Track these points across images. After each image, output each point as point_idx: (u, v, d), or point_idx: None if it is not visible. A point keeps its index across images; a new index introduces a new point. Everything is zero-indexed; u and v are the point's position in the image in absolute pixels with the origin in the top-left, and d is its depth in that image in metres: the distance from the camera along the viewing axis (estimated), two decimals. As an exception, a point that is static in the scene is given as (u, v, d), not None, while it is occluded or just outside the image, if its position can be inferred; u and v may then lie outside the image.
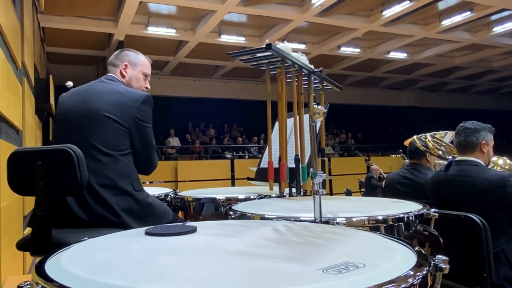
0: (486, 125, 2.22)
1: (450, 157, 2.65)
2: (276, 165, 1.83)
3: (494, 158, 2.57)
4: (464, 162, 2.16)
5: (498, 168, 2.56)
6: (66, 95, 1.71)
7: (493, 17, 9.67)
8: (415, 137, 3.04)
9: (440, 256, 0.74)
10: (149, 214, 1.58)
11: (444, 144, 2.94)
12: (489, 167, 2.36)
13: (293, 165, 1.91)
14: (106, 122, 1.56)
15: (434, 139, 2.91)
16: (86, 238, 1.01)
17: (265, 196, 1.98)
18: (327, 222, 1.22)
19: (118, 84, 1.71)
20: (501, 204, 1.98)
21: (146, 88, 1.85)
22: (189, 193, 2.26)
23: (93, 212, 1.49)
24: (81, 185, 1.30)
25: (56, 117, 1.72)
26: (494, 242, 1.81)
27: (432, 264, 0.73)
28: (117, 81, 1.74)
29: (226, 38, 9.93)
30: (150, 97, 1.69)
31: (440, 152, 2.84)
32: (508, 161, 2.64)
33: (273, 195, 1.98)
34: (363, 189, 7.53)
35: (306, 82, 1.98)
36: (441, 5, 8.94)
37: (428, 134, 3.06)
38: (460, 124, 2.26)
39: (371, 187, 7.05)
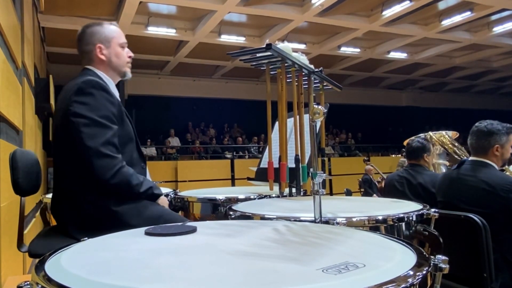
0: (504, 126, 2.13)
1: (464, 157, 2.64)
2: (276, 165, 1.83)
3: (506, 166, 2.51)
4: (476, 163, 2.14)
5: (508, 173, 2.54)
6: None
7: (493, 17, 9.66)
8: (430, 132, 3.04)
9: (440, 256, 0.74)
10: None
11: (456, 144, 2.94)
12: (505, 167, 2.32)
13: (293, 165, 1.91)
14: (56, 133, 1.48)
15: (449, 137, 2.91)
16: (86, 238, 1.01)
17: (265, 196, 1.98)
18: (327, 222, 1.22)
19: (79, 78, 1.50)
20: (503, 209, 1.96)
21: (130, 57, 1.67)
22: (189, 193, 2.26)
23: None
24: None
25: None
26: (495, 248, 1.79)
27: (432, 264, 0.73)
28: (86, 74, 1.54)
29: (226, 38, 9.93)
30: (88, 80, 1.43)
31: (455, 149, 2.84)
32: None
33: (273, 195, 1.98)
34: (362, 189, 7.53)
35: (306, 82, 1.98)
36: (441, 5, 8.94)
37: (443, 132, 3.06)
38: (475, 124, 2.18)
39: (365, 193, 7.05)
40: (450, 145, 2.88)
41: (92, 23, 1.64)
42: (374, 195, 6.77)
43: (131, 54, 1.69)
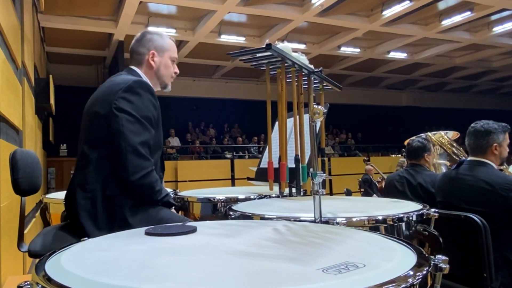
0: (500, 125, 2.15)
1: (462, 157, 2.65)
2: (276, 165, 1.83)
3: (504, 166, 2.52)
4: (474, 162, 2.14)
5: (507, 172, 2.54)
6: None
7: (493, 17, 9.67)
8: (429, 133, 3.04)
9: (440, 256, 0.74)
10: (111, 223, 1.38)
11: (455, 144, 2.95)
12: (503, 167, 2.33)
13: (293, 165, 1.91)
14: (94, 120, 1.45)
15: (448, 138, 2.91)
16: (86, 238, 1.01)
17: (265, 196, 1.98)
18: (327, 222, 1.22)
19: (126, 76, 1.53)
20: (503, 208, 1.96)
21: (176, 73, 1.71)
22: (189, 193, 2.26)
23: (77, 219, 1.42)
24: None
25: None
26: (495, 247, 1.79)
27: (432, 264, 0.73)
28: (132, 74, 1.59)
29: (226, 38, 9.93)
30: (137, 82, 1.46)
31: (454, 150, 2.85)
32: None
33: (273, 195, 1.98)
34: (362, 189, 7.53)
35: (306, 82, 1.98)
36: (441, 5, 8.94)
37: (442, 132, 3.07)
38: (472, 125, 2.20)
39: (365, 193, 7.05)
40: (448, 146, 2.88)
41: (154, 31, 1.72)
42: (374, 195, 6.77)
43: (177, 71, 1.73)
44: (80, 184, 1.43)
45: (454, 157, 2.94)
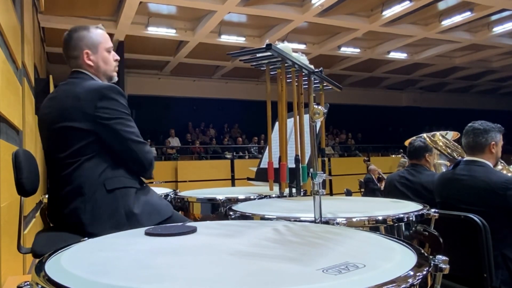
0: (495, 125, 2.20)
1: (459, 157, 2.66)
2: (276, 165, 1.83)
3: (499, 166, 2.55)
4: (472, 163, 2.16)
5: (505, 171, 2.55)
6: (42, 105, 1.62)
7: (493, 17, 9.67)
8: (424, 134, 3.04)
9: (440, 256, 0.74)
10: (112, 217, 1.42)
11: (451, 144, 2.94)
12: (499, 168, 2.35)
13: (293, 165, 1.91)
14: (68, 133, 1.46)
15: (444, 138, 2.91)
16: (86, 238, 1.01)
17: (265, 196, 1.98)
18: (327, 222, 1.22)
19: (79, 83, 1.53)
20: (501, 206, 1.97)
21: (116, 60, 1.68)
22: (189, 193, 2.26)
23: (64, 220, 1.45)
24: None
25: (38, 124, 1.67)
26: (494, 246, 1.80)
27: (432, 265, 0.73)
28: (81, 77, 1.57)
29: (226, 38, 9.93)
30: (108, 87, 1.50)
31: (449, 151, 2.85)
32: None
33: (273, 195, 1.98)
34: (363, 189, 7.53)
35: (306, 82, 1.98)
36: (441, 5, 8.94)
37: (438, 133, 3.06)
38: (469, 124, 2.23)
39: (369, 190, 7.04)
40: (444, 147, 2.88)
41: (78, 26, 1.64)
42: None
43: (117, 57, 1.70)
44: (73, 192, 1.44)
45: (451, 158, 2.94)
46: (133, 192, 1.48)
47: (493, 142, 2.14)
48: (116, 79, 1.71)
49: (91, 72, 1.61)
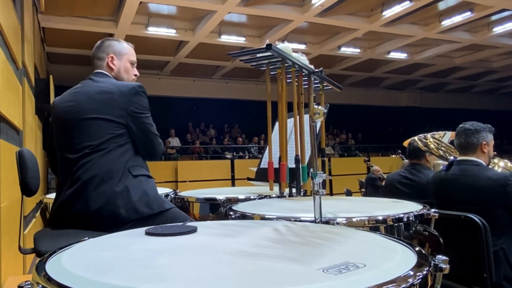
0: (486, 125, 2.24)
1: (452, 157, 2.67)
2: (276, 165, 1.83)
3: (495, 160, 2.60)
4: (466, 162, 2.18)
5: (499, 169, 2.58)
6: (59, 99, 1.71)
7: (493, 17, 9.66)
8: (416, 137, 3.04)
9: (440, 256, 0.74)
10: (141, 199, 1.54)
11: (444, 144, 2.95)
12: (490, 167, 2.37)
13: (293, 165, 1.91)
14: (101, 123, 1.58)
15: (435, 140, 2.92)
16: (87, 238, 1.01)
17: (265, 196, 1.98)
18: (327, 222, 1.23)
19: (108, 81, 1.70)
20: (501, 203, 1.99)
21: (135, 75, 1.85)
22: (189, 193, 2.26)
23: (87, 206, 1.50)
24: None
25: (52, 122, 1.71)
26: (494, 242, 1.82)
27: (432, 264, 0.73)
28: (106, 77, 1.73)
29: (226, 38, 9.93)
30: (140, 86, 1.68)
31: (441, 152, 2.85)
32: (509, 164, 2.65)
33: (273, 195, 1.98)
34: (363, 189, 7.53)
35: (306, 83, 1.98)
36: (441, 5, 8.94)
37: (428, 135, 3.07)
38: (460, 125, 2.28)
39: (373, 188, 7.04)
40: (435, 149, 2.88)
41: (112, 38, 1.88)
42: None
43: (137, 74, 1.87)
44: (102, 175, 1.52)
45: (445, 158, 2.95)
46: (150, 180, 1.65)
47: (484, 142, 2.18)
48: None
49: (112, 75, 1.76)
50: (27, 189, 1.58)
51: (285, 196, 1.96)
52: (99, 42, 1.83)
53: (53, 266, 0.77)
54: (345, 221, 1.25)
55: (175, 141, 12.37)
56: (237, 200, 1.91)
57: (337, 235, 1.00)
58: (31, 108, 4.60)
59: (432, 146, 2.87)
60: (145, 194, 1.55)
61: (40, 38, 7.32)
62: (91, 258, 0.84)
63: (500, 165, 2.63)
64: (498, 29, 9.99)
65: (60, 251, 0.90)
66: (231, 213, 1.45)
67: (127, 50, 1.82)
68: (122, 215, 1.48)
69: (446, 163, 3.17)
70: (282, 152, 1.81)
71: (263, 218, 1.35)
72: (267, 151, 1.99)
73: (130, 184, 1.54)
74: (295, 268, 0.72)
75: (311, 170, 1.33)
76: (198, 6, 8.11)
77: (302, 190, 1.94)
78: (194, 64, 12.09)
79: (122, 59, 1.79)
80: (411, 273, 0.69)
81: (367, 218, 1.27)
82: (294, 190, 1.95)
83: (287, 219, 1.28)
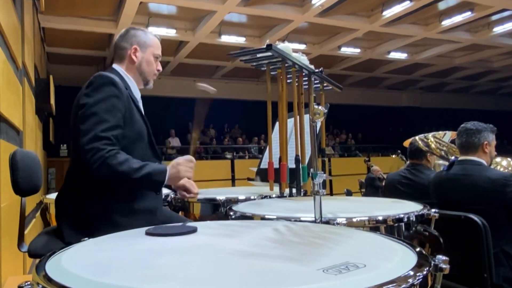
0: (488, 125, 2.24)
1: (453, 157, 2.66)
2: (276, 165, 1.83)
3: (498, 159, 2.59)
4: (467, 162, 2.17)
5: (502, 168, 2.57)
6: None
7: (494, 17, 9.66)
8: (417, 137, 3.04)
9: (441, 256, 0.74)
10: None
11: (445, 144, 2.94)
12: (492, 167, 2.37)
13: (294, 166, 1.91)
14: (75, 125, 1.45)
15: (436, 139, 2.92)
16: (87, 238, 1.01)
17: (266, 197, 1.98)
18: (327, 223, 1.22)
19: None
20: (501, 203, 1.98)
21: (158, 70, 1.70)
22: (189, 193, 2.25)
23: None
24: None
25: None
26: (494, 242, 1.81)
27: (432, 265, 0.73)
28: (113, 74, 1.55)
29: (227, 39, 9.92)
30: (99, 76, 1.47)
31: (442, 153, 2.85)
32: None
33: (274, 196, 1.98)
34: (363, 190, 7.52)
35: (307, 83, 1.98)
36: (442, 5, 8.93)
37: (430, 134, 3.06)
38: (462, 125, 2.27)
39: (373, 188, 7.04)
40: (437, 149, 2.88)
41: (138, 27, 1.70)
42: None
43: (160, 68, 1.72)
44: (66, 194, 1.47)
45: (446, 158, 2.95)
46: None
47: (485, 142, 2.17)
48: (151, 86, 1.71)
49: (129, 70, 1.62)
50: (17, 189, 1.60)
51: (285, 196, 1.96)
52: (123, 30, 1.68)
53: (53, 266, 0.77)
54: (345, 221, 1.25)
55: (175, 141, 12.37)
56: (237, 200, 1.91)
57: (337, 235, 1.00)
58: (31, 108, 4.60)
59: (433, 146, 2.87)
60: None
61: (40, 38, 7.32)
62: (91, 258, 0.84)
63: (503, 165, 2.62)
64: (498, 29, 9.99)
65: (60, 251, 0.90)
66: (231, 213, 1.45)
67: (153, 42, 1.67)
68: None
69: (447, 163, 3.17)
70: (282, 152, 1.81)
71: (263, 218, 1.35)
72: (267, 151, 1.99)
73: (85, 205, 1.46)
74: (295, 268, 0.72)
75: (311, 170, 1.33)
76: (198, 6, 8.10)
77: (302, 190, 1.94)
78: (194, 64, 12.09)
79: (146, 52, 1.64)
80: (411, 273, 0.69)
81: (367, 218, 1.27)
82: (294, 190, 1.95)
83: (287, 219, 1.28)
